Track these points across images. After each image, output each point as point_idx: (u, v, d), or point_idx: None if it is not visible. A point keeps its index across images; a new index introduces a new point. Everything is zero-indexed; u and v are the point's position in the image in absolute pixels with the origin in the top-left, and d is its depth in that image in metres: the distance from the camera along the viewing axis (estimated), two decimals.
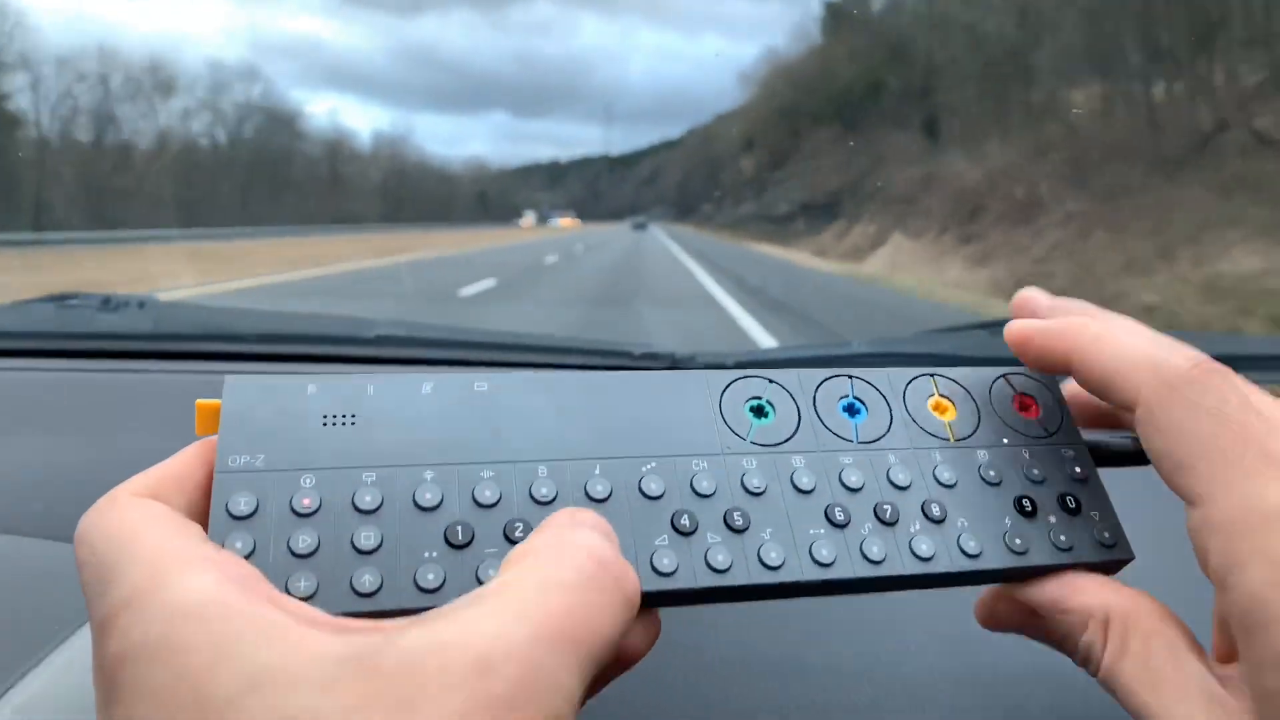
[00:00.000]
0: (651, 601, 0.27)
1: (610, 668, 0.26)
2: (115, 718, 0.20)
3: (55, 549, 0.47)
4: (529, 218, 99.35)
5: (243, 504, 0.25)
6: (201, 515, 0.26)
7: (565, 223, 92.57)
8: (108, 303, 1.06)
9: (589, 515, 0.24)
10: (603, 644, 0.21)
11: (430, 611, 0.20)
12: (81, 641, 0.37)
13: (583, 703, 0.25)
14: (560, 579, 0.21)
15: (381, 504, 0.26)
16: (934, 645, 0.45)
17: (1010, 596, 0.30)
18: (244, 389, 0.28)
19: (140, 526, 0.23)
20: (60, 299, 1.10)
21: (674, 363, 0.98)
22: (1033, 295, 0.33)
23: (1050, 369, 0.31)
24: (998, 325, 1.05)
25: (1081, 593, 0.28)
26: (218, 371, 0.95)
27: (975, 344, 0.99)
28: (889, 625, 0.47)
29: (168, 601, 0.20)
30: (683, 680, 0.43)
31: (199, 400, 0.28)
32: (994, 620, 0.31)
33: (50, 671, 0.35)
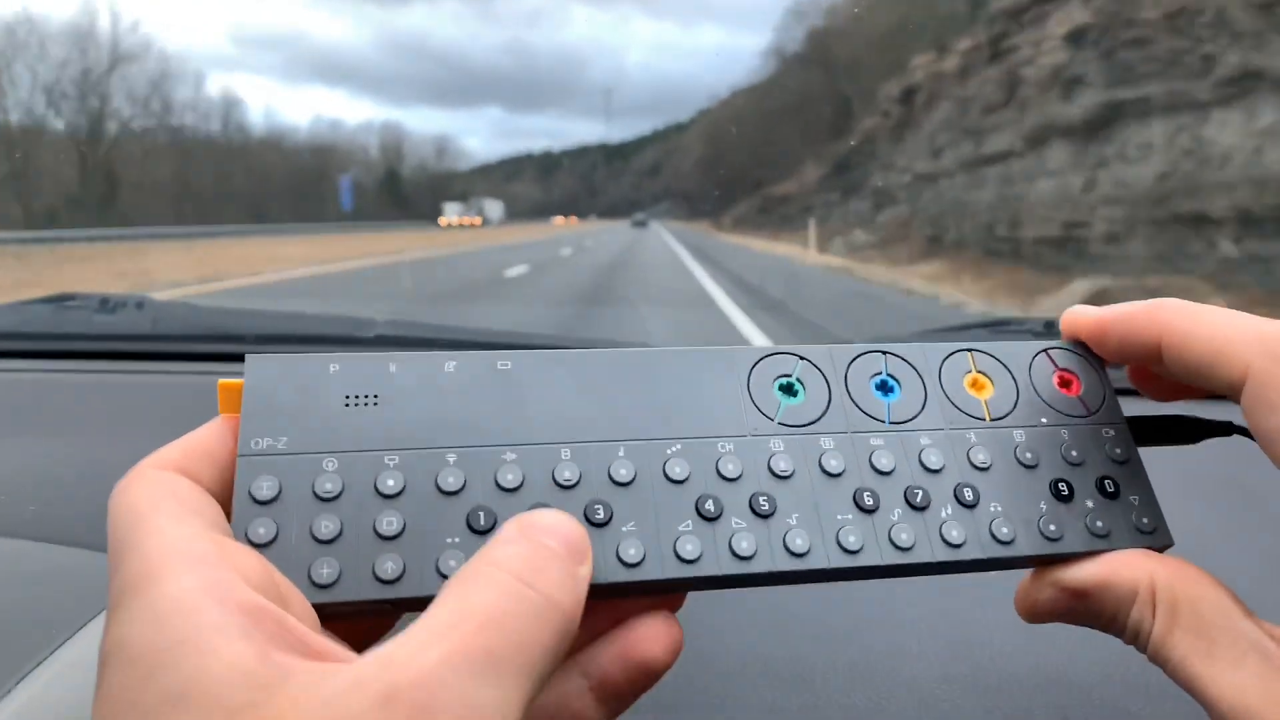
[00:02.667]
0: (675, 587, 0.26)
1: (632, 684, 0.26)
2: (95, 707, 0.20)
3: (51, 551, 0.46)
4: (452, 214, 65.62)
5: (265, 488, 0.25)
6: (230, 489, 0.26)
7: (464, 221, 58.71)
8: (105, 303, 1.06)
9: (548, 517, 0.24)
10: (534, 656, 0.21)
11: (372, 649, 0.21)
12: (79, 645, 0.37)
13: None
14: (479, 599, 0.21)
15: (404, 488, 0.26)
16: (935, 647, 0.45)
17: (1052, 583, 0.29)
18: (267, 366, 0.27)
19: (152, 508, 0.23)
20: (58, 300, 1.09)
21: None
22: (1084, 308, 0.31)
23: (1135, 358, 0.30)
24: (1000, 324, 1.04)
25: (1126, 567, 0.27)
26: (216, 373, 0.95)
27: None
28: (890, 627, 0.47)
29: (146, 605, 0.21)
30: (682, 681, 0.42)
31: (221, 380, 0.27)
32: (1036, 611, 0.29)
33: (48, 675, 0.35)
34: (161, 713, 0.19)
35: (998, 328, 1.02)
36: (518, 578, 0.22)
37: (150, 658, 0.19)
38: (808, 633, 0.46)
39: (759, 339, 5.55)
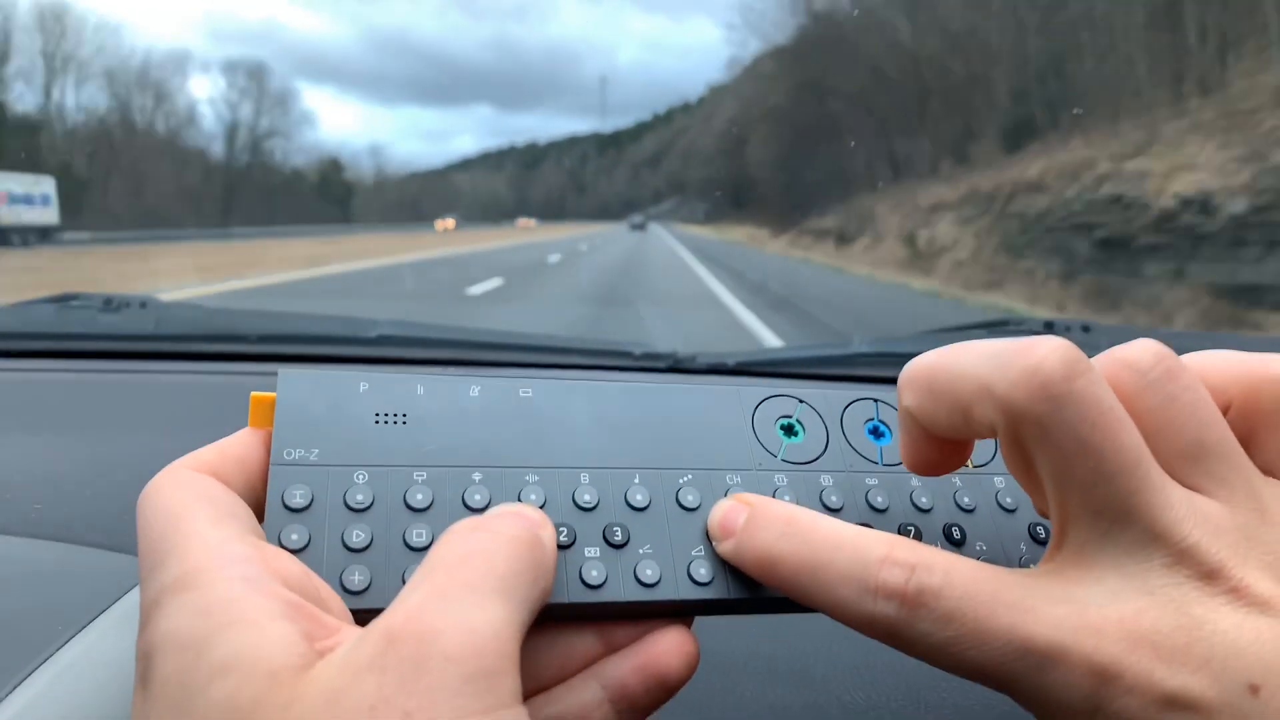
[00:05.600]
0: (689, 610, 0.28)
1: (650, 695, 0.26)
2: (139, 703, 0.22)
3: (55, 550, 0.47)
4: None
5: (298, 496, 0.26)
6: (259, 498, 0.27)
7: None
8: (109, 303, 1.06)
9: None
10: (507, 581, 0.22)
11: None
12: (82, 644, 0.37)
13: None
14: (440, 553, 0.23)
15: (433, 503, 0.27)
16: None
17: None
18: (298, 382, 0.29)
19: (190, 508, 0.24)
20: (62, 299, 1.10)
21: (675, 363, 0.98)
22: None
23: (965, 429, 0.26)
24: (998, 325, 1.04)
25: None
26: (219, 372, 0.95)
27: None
28: None
29: (191, 601, 0.22)
30: None
31: (254, 393, 0.28)
32: None
33: (49, 675, 0.35)
34: (210, 683, 0.20)
35: (997, 328, 1.03)
36: (470, 528, 0.24)
37: (199, 642, 0.21)
38: (808, 631, 0.46)
39: (770, 339, 5.43)
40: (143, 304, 1.07)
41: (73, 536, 0.48)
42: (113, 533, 0.48)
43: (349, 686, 0.20)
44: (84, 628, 0.38)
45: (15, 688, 0.34)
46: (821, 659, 0.44)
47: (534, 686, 0.27)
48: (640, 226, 53.09)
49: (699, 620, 0.28)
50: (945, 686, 0.42)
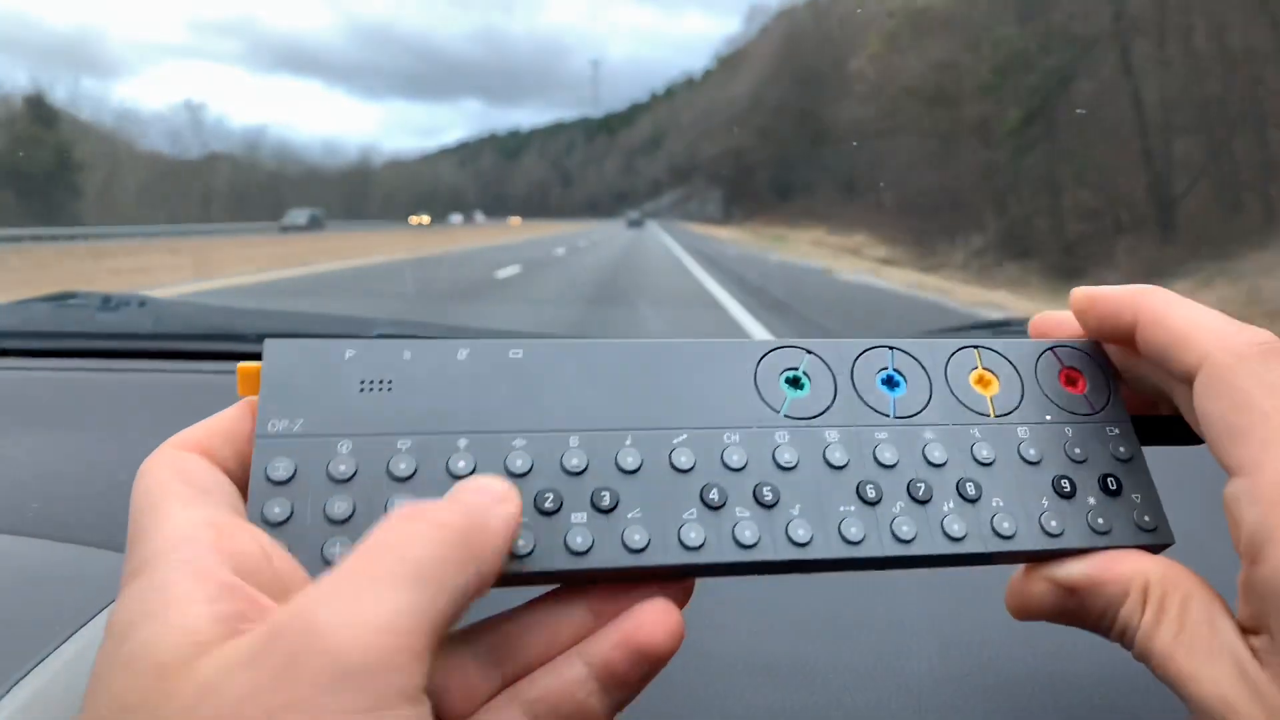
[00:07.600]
0: (679, 574, 0.27)
1: (637, 670, 0.26)
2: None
3: (54, 549, 0.46)
4: None
5: (281, 469, 0.26)
6: (250, 469, 0.27)
7: None
8: (108, 302, 1.06)
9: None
10: (422, 568, 0.22)
11: None
12: (81, 642, 0.37)
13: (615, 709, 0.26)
14: (367, 542, 0.22)
15: (416, 471, 0.27)
16: (936, 647, 0.45)
17: (1045, 578, 0.29)
18: (284, 350, 0.28)
19: (167, 489, 0.24)
20: (60, 298, 1.09)
21: None
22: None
23: (1111, 334, 0.31)
24: (1000, 325, 1.04)
25: (1119, 564, 0.28)
26: (218, 371, 0.95)
27: None
28: (891, 626, 0.47)
29: (137, 589, 0.22)
30: (683, 679, 0.42)
31: (240, 364, 0.28)
32: (1027, 607, 0.30)
33: (50, 672, 0.35)
34: (112, 676, 0.20)
35: (1001, 328, 1.02)
36: (401, 516, 0.23)
37: (123, 630, 0.21)
38: (809, 632, 0.46)
39: (763, 336, 5.40)
40: (141, 303, 1.07)
41: (71, 536, 0.48)
42: (111, 532, 0.48)
43: (222, 682, 0.19)
44: (81, 627, 0.38)
45: (14, 686, 0.34)
46: (823, 660, 0.44)
47: (520, 668, 0.26)
48: (638, 224, 52.63)
49: (697, 615, 0.28)
50: (946, 688, 0.42)
